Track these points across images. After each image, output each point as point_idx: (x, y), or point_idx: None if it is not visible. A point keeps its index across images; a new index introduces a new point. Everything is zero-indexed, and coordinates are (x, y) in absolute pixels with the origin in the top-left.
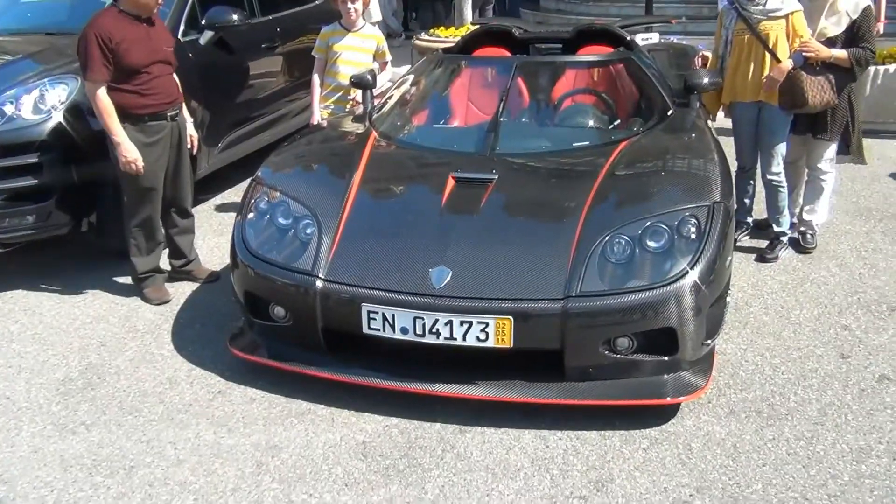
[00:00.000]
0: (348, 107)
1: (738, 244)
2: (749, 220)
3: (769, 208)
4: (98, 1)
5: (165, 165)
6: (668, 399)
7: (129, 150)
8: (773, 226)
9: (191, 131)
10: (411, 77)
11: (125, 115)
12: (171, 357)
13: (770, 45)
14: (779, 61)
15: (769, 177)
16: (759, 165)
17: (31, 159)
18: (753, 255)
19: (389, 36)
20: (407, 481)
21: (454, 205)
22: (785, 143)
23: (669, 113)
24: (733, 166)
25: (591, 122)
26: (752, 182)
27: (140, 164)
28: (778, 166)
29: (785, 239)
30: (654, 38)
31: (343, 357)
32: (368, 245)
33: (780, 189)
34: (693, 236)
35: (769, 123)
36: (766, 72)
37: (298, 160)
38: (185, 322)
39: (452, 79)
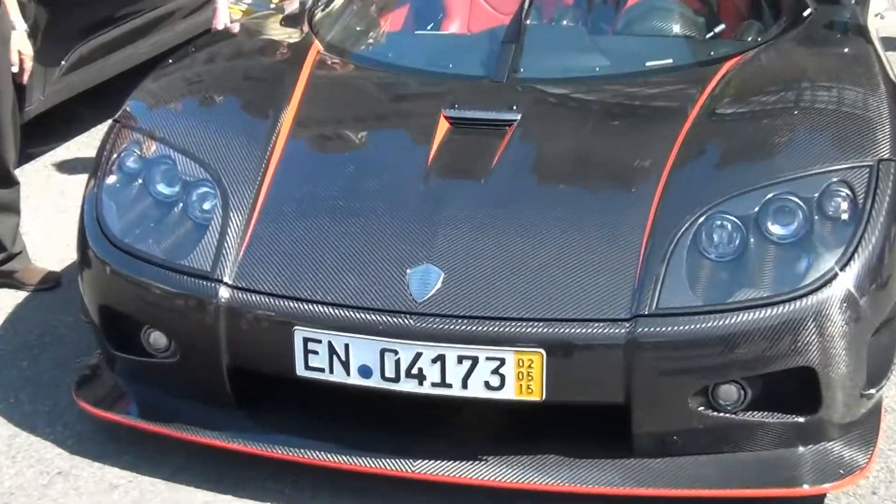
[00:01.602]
0: (275, 2)
1: None
2: None
3: None
4: None
5: None
6: (807, 487)
7: None
8: None
9: (18, 43)
10: None
11: None
12: None
13: None
14: None
15: None
16: None
17: None
18: None
19: None
20: None
21: (448, 163)
22: None
23: (806, 13)
24: None
25: (675, 28)
26: None
27: None
28: None
29: None
30: None
31: (264, 416)
32: (305, 230)
33: None
34: (845, 216)
35: None
36: None
37: (191, 89)
38: (3, 356)
39: None
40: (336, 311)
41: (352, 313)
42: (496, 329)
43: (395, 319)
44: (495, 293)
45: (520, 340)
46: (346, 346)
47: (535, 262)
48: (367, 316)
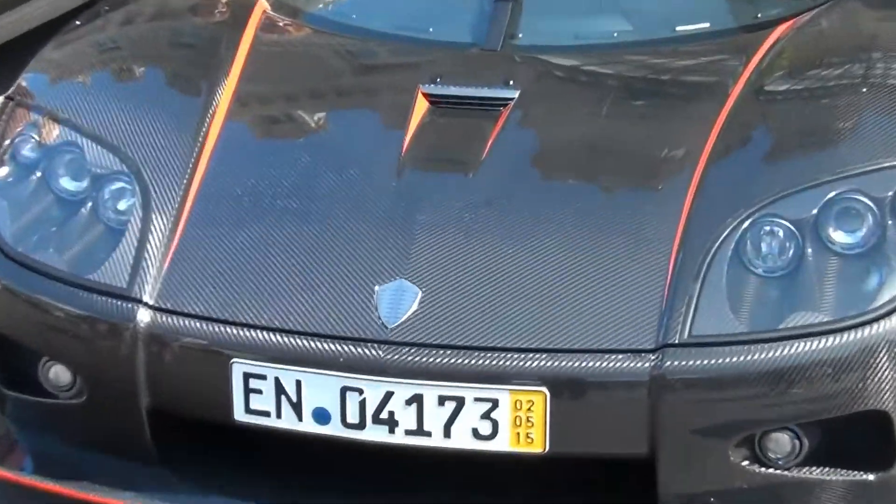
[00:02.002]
0: None
1: None
2: None
3: None
4: None
5: None
6: None
7: None
8: None
9: None
10: None
11: None
12: None
13: None
14: None
15: None
16: None
17: None
18: None
19: None
20: None
21: (428, 153)
22: None
23: None
24: None
25: None
26: None
27: None
28: None
29: None
30: None
31: (193, 472)
32: (246, 237)
33: None
34: None
35: None
36: None
37: (104, 58)
38: None
39: None
40: (285, 339)
41: (305, 342)
42: (487, 362)
43: (359, 350)
44: (486, 317)
45: (517, 377)
46: (298, 383)
47: (535, 277)
48: (325, 345)
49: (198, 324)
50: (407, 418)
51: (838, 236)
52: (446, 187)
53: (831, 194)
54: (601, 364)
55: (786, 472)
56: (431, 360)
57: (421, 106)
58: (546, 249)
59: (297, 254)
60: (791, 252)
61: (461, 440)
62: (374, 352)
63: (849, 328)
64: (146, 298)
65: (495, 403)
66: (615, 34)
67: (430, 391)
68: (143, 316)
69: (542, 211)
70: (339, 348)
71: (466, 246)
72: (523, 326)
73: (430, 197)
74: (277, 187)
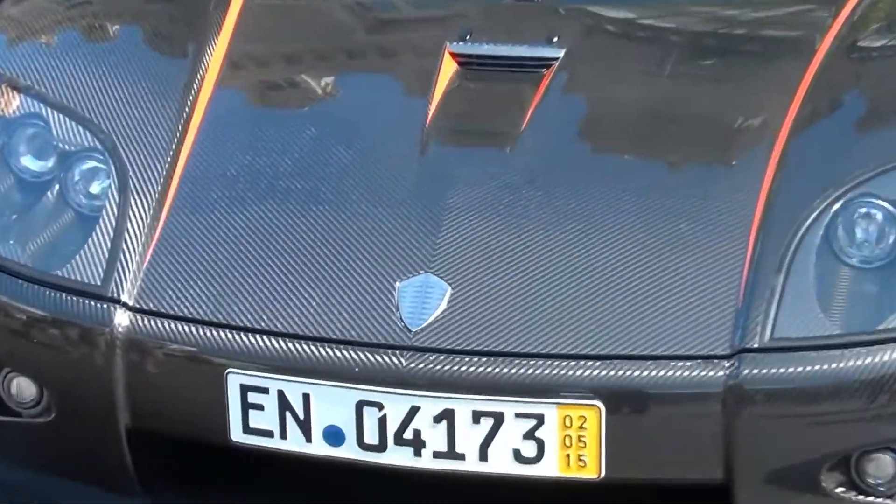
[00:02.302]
0: None
1: None
2: None
3: None
4: None
5: None
6: None
7: None
8: None
9: None
10: None
11: None
12: None
13: None
14: None
15: None
16: None
17: None
18: None
19: None
20: None
21: (457, 124)
22: None
23: None
24: None
25: None
26: None
27: None
28: None
29: None
30: None
31: (180, 503)
32: (242, 225)
33: None
34: None
35: None
36: None
37: (71, 14)
38: None
39: None
40: (289, 345)
41: (313, 349)
42: (530, 371)
43: (378, 358)
44: (528, 318)
45: (566, 388)
46: (306, 397)
47: (587, 271)
48: (337, 353)
49: (185, 327)
50: (436, 438)
51: None
52: (479, 164)
53: None
54: (666, 373)
55: (889, 501)
56: (464, 369)
57: (448, 68)
58: (599, 237)
59: (302, 244)
60: (892, 238)
61: (500, 464)
62: (395, 360)
63: None
64: (124, 298)
65: (540, 420)
66: None
67: (463, 406)
68: (121, 319)
69: (593, 192)
70: (354, 356)
71: (504, 233)
72: (573, 329)
73: (461, 175)
74: (278, 165)
